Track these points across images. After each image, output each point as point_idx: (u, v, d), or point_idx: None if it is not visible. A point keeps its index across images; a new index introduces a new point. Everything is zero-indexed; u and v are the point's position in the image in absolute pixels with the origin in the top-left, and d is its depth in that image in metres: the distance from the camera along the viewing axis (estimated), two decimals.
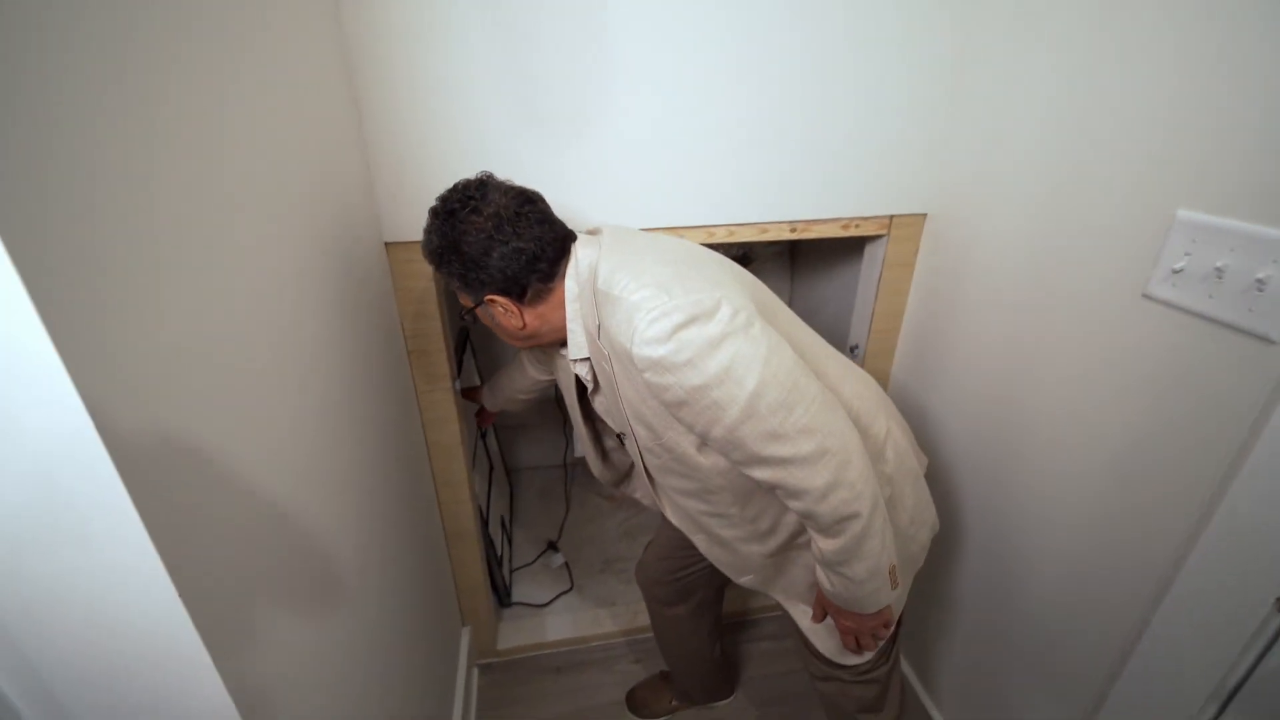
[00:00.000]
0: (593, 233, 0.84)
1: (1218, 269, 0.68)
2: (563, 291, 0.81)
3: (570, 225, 0.84)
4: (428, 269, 1.05)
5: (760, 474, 0.72)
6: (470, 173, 0.96)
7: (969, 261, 1.09)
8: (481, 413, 1.42)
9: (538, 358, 1.14)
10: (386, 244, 1.02)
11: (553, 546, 1.86)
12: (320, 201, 0.77)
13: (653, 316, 0.67)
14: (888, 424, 0.87)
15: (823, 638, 0.93)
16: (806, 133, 1.06)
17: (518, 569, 1.77)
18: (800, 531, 0.85)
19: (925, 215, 1.18)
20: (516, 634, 1.56)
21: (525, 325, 0.83)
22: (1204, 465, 0.72)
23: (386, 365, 1.00)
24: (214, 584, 0.47)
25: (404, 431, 1.08)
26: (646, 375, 0.69)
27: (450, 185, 0.80)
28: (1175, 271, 0.72)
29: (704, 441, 0.76)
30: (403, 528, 1.03)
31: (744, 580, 0.95)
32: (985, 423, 1.08)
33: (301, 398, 0.67)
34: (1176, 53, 0.72)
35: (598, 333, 0.76)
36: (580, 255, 0.79)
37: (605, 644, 1.57)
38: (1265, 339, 0.65)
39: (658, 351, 0.67)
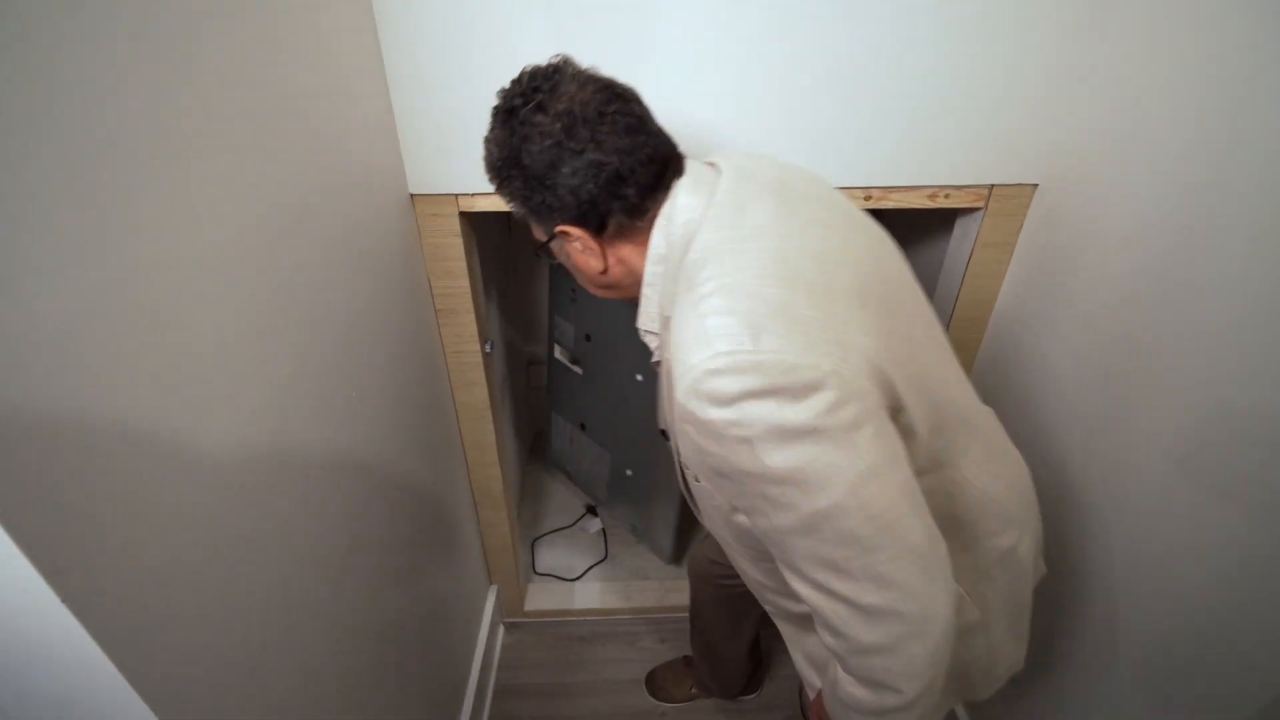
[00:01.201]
0: (711, 165, 0.62)
1: None
2: (648, 237, 0.60)
3: None
4: (455, 224, 0.99)
5: (796, 585, 0.55)
6: None
7: (1087, 244, 0.89)
8: None
9: None
10: (412, 196, 0.96)
11: (591, 511, 1.83)
12: (337, 149, 0.72)
13: (718, 365, 0.47)
14: (1018, 536, 0.68)
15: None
16: (889, 79, 0.87)
17: (553, 532, 1.76)
18: None
19: (1035, 186, 0.98)
20: (544, 598, 1.55)
21: (607, 269, 0.63)
22: None
23: (411, 325, 0.96)
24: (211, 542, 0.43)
25: (431, 392, 1.05)
26: (687, 428, 0.52)
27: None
28: None
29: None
30: (427, 486, 1.01)
31: (767, 608, 0.82)
32: (1083, 436, 0.90)
33: (316, 357, 0.65)
34: None
35: (664, 321, 0.59)
36: (679, 203, 0.58)
37: (632, 618, 1.54)
38: None
39: (709, 413, 0.48)
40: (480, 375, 1.14)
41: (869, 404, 0.50)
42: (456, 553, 1.20)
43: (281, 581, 0.59)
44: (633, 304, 0.66)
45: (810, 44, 0.85)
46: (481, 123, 0.87)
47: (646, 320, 0.64)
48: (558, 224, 0.60)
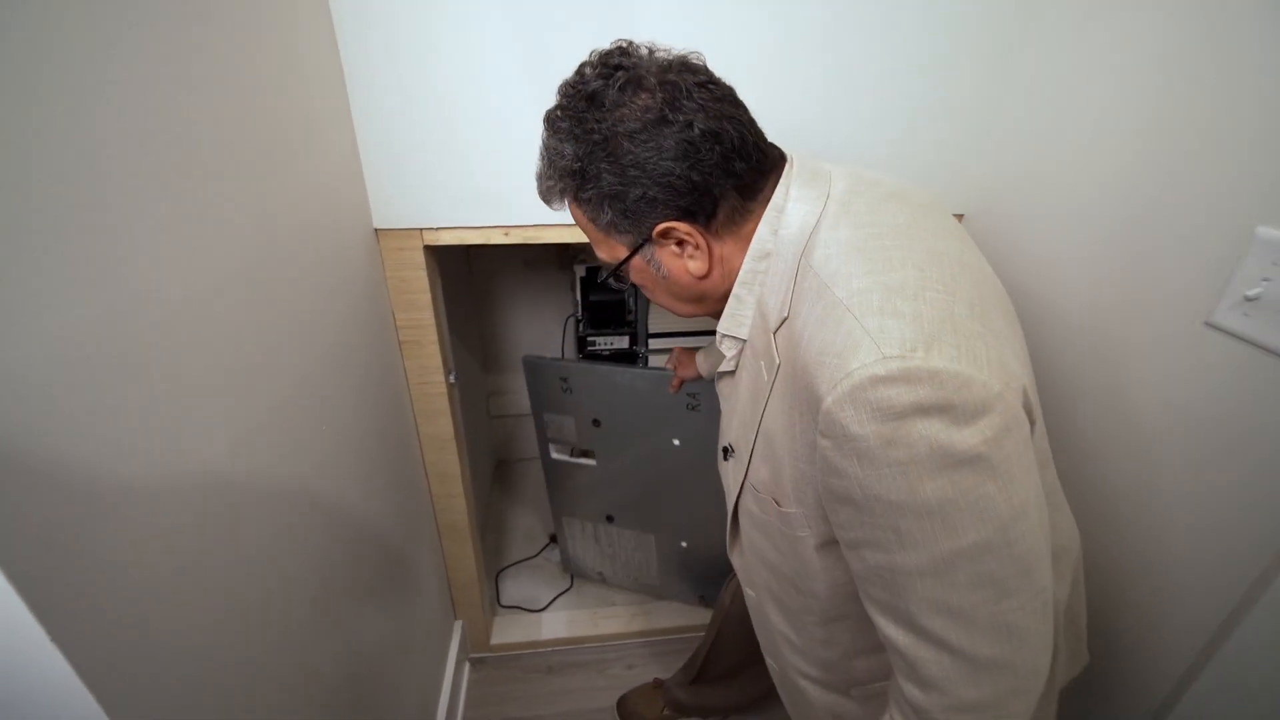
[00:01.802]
0: (810, 172, 0.55)
1: None
2: (752, 232, 0.54)
3: None
4: (420, 257, 1.00)
5: (894, 634, 0.48)
6: (474, 149, 0.90)
7: (1008, 269, 0.98)
8: (678, 367, 1.12)
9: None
10: (377, 230, 0.97)
11: (554, 540, 1.82)
12: (303, 186, 0.72)
13: (886, 371, 0.41)
14: (1065, 600, 0.62)
15: None
16: (831, 122, 0.96)
17: (518, 563, 1.74)
18: (865, 683, 0.63)
19: (962, 216, 1.08)
20: (511, 630, 1.53)
21: (711, 271, 0.55)
22: (1267, 526, 0.62)
23: (376, 357, 0.96)
24: (157, 584, 0.43)
25: (394, 424, 1.04)
26: (824, 442, 0.45)
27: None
28: (1249, 299, 0.62)
29: (834, 543, 0.53)
30: (390, 521, 0.99)
31: (768, 660, 0.78)
32: None
33: (276, 387, 0.63)
34: (1264, 49, 0.60)
35: (778, 325, 0.52)
36: (793, 196, 0.52)
37: (600, 646, 1.53)
38: None
39: (865, 427, 0.42)
40: (445, 405, 1.14)
41: (1026, 433, 0.45)
42: (421, 588, 1.17)
43: (246, 622, 0.57)
44: (700, 318, 0.61)
45: (760, 96, 0.92)
46: (445, 158, 0.91)
47: (732, 324, 0.57)
48: (660, 221, 0.52)
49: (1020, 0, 0.89)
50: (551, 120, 0.54)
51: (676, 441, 1.30)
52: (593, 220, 0.56)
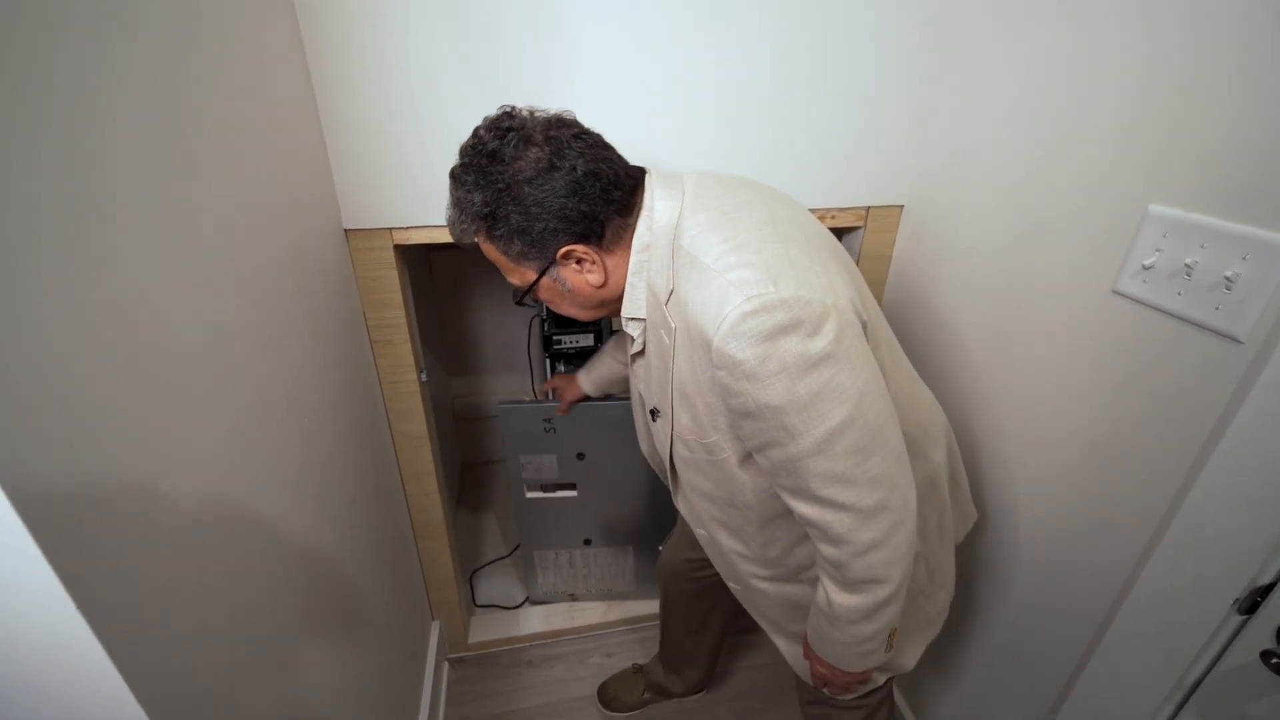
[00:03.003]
0: (666, 178, 0.70)
1: (1187, 266, 0.67)
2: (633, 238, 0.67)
3: None
4: (390, 256, 1.02)
5: (804, 509, 0.64)
6: (436, 153, 0.94)
7: (945, 253, 1.07)
8: (561, 393, 1.23)
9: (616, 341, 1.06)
10: (346, 231, 0.98)
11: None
12: (272, 188, 0.73)
13: (751, 308, 0.56)
14: (939, 465, 0.80)
15: (807, 669, 0.87)
16: (779, 123, 1.03)
17: (491, 563, 1.75)
18: (806, 568, 0.79)
19: (902, 206, 1.16)
20: (488, 628, 1.54)
21: (607, 280, 0.68)
22: (1169, 464, 0.71)
23: (347, 356, 0.97)
24: (143, 593, 0.44)
25: (368, 423, 1.05)
26: (719, 373, 0.60)
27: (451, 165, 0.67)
28: (1145, 268, 0.71)
29: (750, 455, 0.68)
30: (365, 522, 1.00)
31: (730, 585, 0.92)
32: (960, 417, 1.07)
33: (250, 390, 0.64)
34: (1151, 45, 0.70)
35: (667, 298, 0.65)
36: (658, 198, 0.66)
37: (578, 638, 1.56)
38: (1231, 338, 0.64)
39: (744, 353, 0.57)
40: (418, 404, 1.16)
41: (858, 330, 0.61)
42: (399, 590, 1.18)
43: (223, 631, 0.56)
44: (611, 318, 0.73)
45: (713, 96, 0.99)
46: (415, 157, 0.94)
47: (631, 307, 0.70)
48: (561, 246, 0.65)
49: (931, 8, 0.99)
50: (457, 176, 0.66)
51: (642, 448, 1.32)
52: (504, 253, 0.68)
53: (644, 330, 0.72)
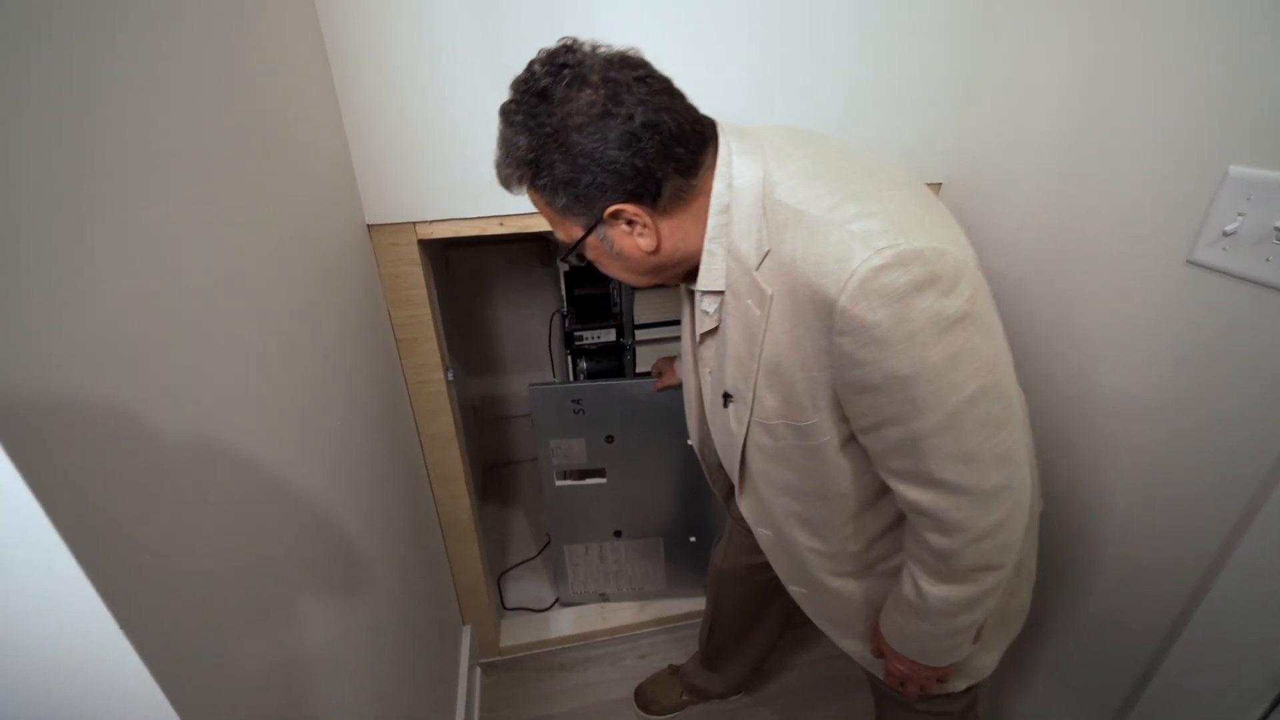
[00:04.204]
0: (740, 131, 0.62)
1: (1277, 229, 0.62)
2: (708, 197, 0.59)
3: None
4: (415, 252, 0.99)
5: (916, 495, 0.58)
6: (459, 142, 0.90)
7: (987, 232, 1.03)
8: (663, 374, 1.21)
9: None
10: (369, 226, 0.95)
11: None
12: (292, 181, 0.70)
13: (882, 261, 0.48)
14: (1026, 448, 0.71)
15: (880, 667, 0.79)
16: (811, 95, 0.99)
17: (519, 565, 1.72)
18: (886, 558, 0.72)
19: (940, 184, 1.12)
20: (519, 631, 1.51)
21: (660, 246, 0.60)
22: (1257, 445, 0.67)
23: (372, 356, 0.94)
24: (172, 598, 0.41)
25: (394, 425, 1.02)
26: (841, 340, 0.52)
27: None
28: (1226, 234, 0.67)
29: (853, 437, 0.61)
30: (395, 526, 0.97)
31: (792, 589, 0.84)
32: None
33: (275, 393, 0.61)
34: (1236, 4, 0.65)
35: (758, 262, 0.57)
36: (736, 152, 0.59)
37: (610, 639, 1.53)
38: None
39: (875, 314, 0.49)
40: (445, 404, 1.13)
41: (989, 290, 0.55)
42: (430, 594, 1.15)
43: (257, 634, 0.54)
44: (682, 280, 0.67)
45: (741, 64, 0.94)
46: (438, 147, 0.90)
47: (708, 279, 0.62)
48: (609, 204, 0.57)
49: None
50: (506, 113, 0.58)
51: (691, 440, 1.30)
52: (549, 204, 0.60)
53: (720, 305, 0.65)
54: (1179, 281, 0.73)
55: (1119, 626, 0.87)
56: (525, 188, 0.60)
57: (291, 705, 0.58)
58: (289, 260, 0.67)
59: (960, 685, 0.78)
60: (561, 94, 0.54)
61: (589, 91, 0.54)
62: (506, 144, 0.58)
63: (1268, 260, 0.63)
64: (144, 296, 0.41)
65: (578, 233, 0.61)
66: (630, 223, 0.59)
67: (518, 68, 0.88)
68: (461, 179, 0.93)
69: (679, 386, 1.17)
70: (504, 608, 1.58)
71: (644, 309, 1.54)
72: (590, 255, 0.64)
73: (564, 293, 1.57)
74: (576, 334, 1.61)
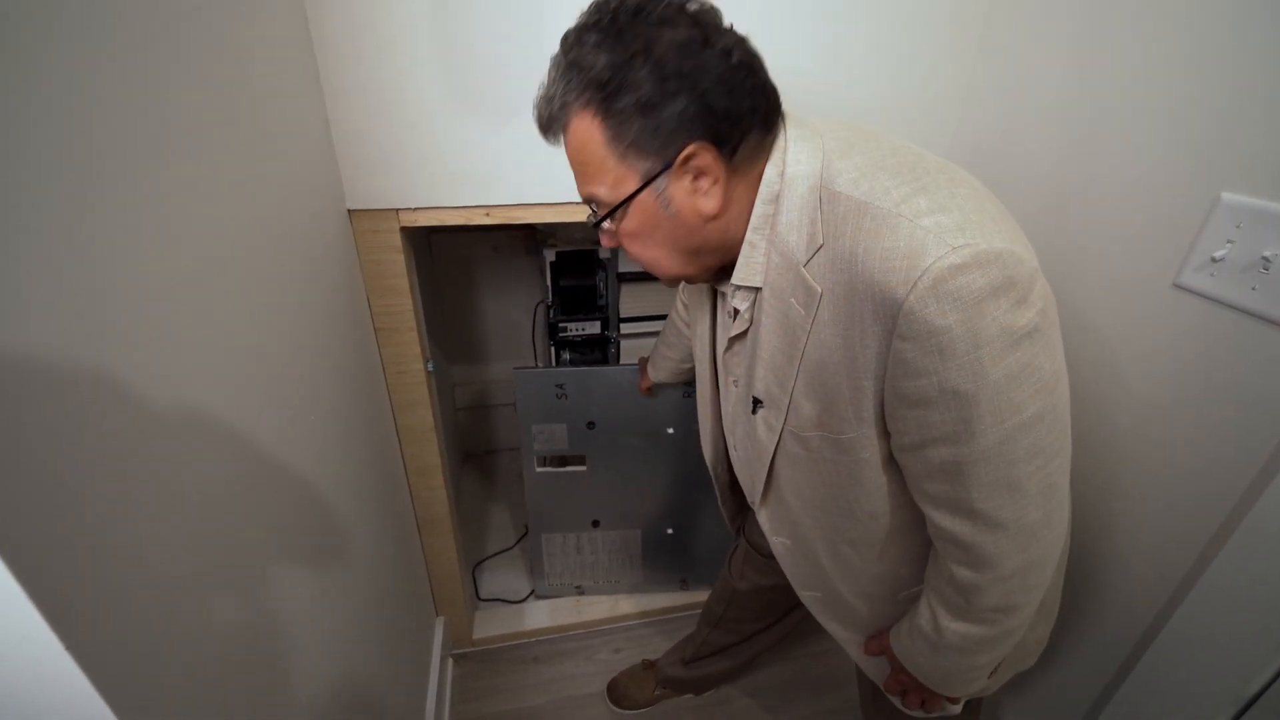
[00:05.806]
0: (793, 116, 0.56)
1: (1265, 259, 0.62)
2: (758, 182, 0.54)
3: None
4: (396, 239, 0.96)
5: (950, 524, 0.53)
6: (446, 129, 0.87)
7: None
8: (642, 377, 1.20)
9: (687, 306, 0.87)
10: (350, 211, 0.92)
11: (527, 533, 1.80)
12: (270, 162, 0.67)
13: (959, 260, 0.43)
14: None
15: (883, 674, 0.75)
16: (814, 83, 0.97)
17: (495, 555, 1.71)
18: (907, 587, 0.68)
19: None
20: (493, 623, 1.50)
21: (721, 209, 0.53)
22: (1235, 469, 0.68)
23: (350, 345, 0.91)
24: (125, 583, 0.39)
25: (371, 415, 1.00)
26: (903, 345, 0.47)
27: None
28: (1215, 260, 0.67)
29: (893, 459, 0.56)
30: (368, 517, 0.95)
31: (804, 594, 0.79)
32: None
33: (246, 382, 0.58)
34: (1231, 10, 0.65)
35: (808, 257, 0.51)
36: (792, 137, 0.53)
37: (585, 633, 1.52)
38: None
39: (947, 318, 0.44)
40: (424, 395, 1.10)
41: (1054, 302, 0.50)
42: (403, 586, 1.13)
43: (224, 630, 0.53)
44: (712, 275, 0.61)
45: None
46: (425, 132, 0.87)
47: (747, 274, 0.57)
48: (689, 141, 0.50)
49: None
50: (579, 34, 0.51)
51: (671, 430, 1.32)
52: (612, 138, 0.51)
53: (754, 304, 0.59)
54: (1164, 304, 0.73)
55: (1088, 645, 0.89)
56: (584, 118, 0.51)
57: (257, 694, 0.56)
58: (263, 243, 0.64)
59: (957, 708, 0.73)
60: (660, 13, 0.49)
61: (685, 24, 0.49)
62: (573, 66, 0.50)
63: (1254, 289, 0.64)
64: (108, 279, 0.39)
65: (632, 184, 0.52)
66: (699, 176, 0.52)
67: (510, 49, 0.85)
68: (447, 166, 0.90)
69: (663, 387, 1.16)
70: (479, 599, 1.57)
71: (630, 303, 1.52)
72: (631, 225, 0.55)
73: (549, 283, 1.55)
74: (561, 325, 1.59)
